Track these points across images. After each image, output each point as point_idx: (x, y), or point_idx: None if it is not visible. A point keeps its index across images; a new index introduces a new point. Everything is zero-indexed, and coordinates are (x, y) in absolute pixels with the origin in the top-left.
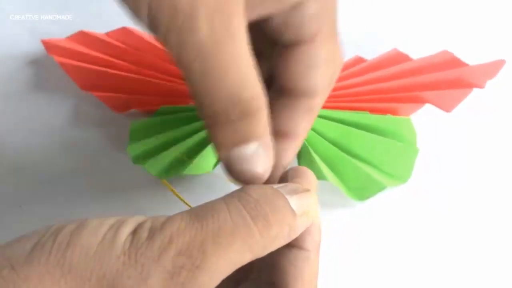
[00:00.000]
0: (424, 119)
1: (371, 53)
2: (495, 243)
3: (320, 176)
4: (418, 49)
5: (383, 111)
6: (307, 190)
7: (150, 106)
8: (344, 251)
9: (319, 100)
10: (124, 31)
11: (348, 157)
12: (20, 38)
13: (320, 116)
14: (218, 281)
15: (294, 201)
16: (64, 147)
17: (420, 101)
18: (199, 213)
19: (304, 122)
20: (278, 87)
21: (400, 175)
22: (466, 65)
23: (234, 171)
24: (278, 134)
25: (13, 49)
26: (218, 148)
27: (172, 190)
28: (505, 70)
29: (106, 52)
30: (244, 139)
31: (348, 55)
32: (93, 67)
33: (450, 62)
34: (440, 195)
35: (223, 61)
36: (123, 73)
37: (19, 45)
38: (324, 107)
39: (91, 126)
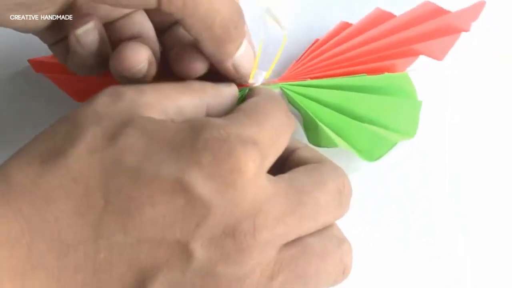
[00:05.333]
0: (419, 74)
1: (356, 16)
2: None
3: (330, 143)
4: (400, 5)
5: (380, 70)
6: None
7: None
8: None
9: None
10: None
11: (354, 121)
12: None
13: (318, 86)
14: None
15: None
16: None
17: (413, 54)
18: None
19: None
20: None
21: (407, 130)
22: (449, 12)
23: (242, 69)
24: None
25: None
26: (226, 62)
27: None
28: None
29: None
30: (239, 43)
31: (334, 21)
32: (87, 77)
33: (433, 12)
34: (448, 148)
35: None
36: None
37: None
38: (321, 76)
39: None
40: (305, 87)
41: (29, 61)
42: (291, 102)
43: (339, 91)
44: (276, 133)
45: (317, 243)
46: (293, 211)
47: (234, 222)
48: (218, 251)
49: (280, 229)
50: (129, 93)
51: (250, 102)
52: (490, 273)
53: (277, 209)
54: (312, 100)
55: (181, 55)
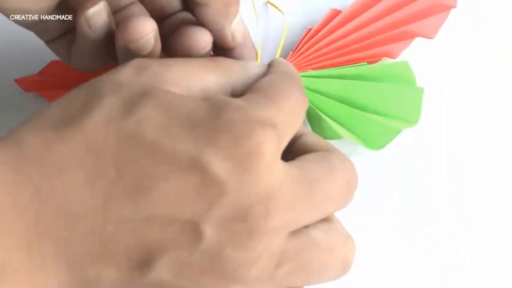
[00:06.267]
0: (417, 60)
1: (344, 2)
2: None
3: (334, 135)
4: None
5: (378, 56)
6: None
7: None
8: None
9: None
10: None
11: (357, 111)
12: None
13: (320, 76)
14: None
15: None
16: None
17: (408, 37)
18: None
19: None
20: None
21: (410, 117)
22: None
23: (237, 36)
24: None
25: None
26: (226, 28)
27: None
28: None
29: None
30: (239, 6)
31: (325, 7)
32: None
33: None
34: (446, 135)
35: None
36: None
37: None
38: (321, 66)
39: None
40: (306, 78)
41: (15, 81)
42: None
43: (340, 80)
44: (293, 114)
45: (323, 237)
46: (303, 199)
47: (247, 205)
48: (228, 233)
49: (290, 216)
50: (155, 66)
51: (266, 81)
52: (488, 261)
53: (289, 196)
54: (314, 92)
55: (183, 33)
